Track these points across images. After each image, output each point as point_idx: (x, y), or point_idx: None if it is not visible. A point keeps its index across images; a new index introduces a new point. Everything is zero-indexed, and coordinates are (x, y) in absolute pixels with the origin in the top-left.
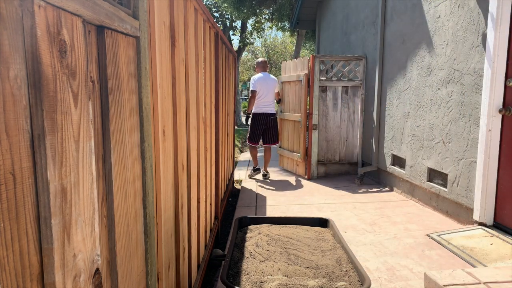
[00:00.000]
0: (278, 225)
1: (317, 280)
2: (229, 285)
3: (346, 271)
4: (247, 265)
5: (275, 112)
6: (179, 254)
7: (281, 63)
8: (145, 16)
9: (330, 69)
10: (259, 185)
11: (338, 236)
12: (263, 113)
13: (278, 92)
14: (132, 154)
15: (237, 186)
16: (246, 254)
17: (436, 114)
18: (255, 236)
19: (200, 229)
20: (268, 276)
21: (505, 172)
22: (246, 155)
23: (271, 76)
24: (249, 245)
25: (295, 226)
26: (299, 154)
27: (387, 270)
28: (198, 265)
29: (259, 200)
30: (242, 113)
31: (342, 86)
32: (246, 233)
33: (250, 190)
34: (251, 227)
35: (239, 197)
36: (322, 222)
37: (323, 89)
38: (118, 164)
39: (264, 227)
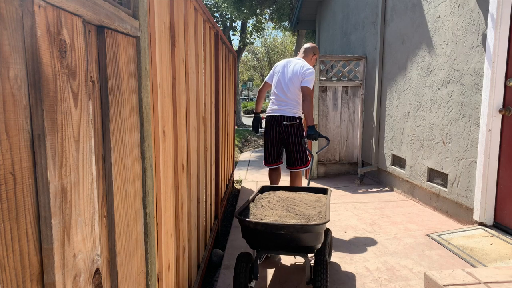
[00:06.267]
0: (290, 191)
1: (298, 221)
2: (240, 218)
3: (320, 217)
4: (256, 211)
5: (295, 115)
6: (179, 254)
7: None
8: (145, 16)
9: (330, 69)
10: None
11: (329, 200)
12: (272, 116)
13: (307, 87)
14: (132, 154)
15: (237, 186)
16: (258, 206)
17: (436, 114)
18: (269, 196)
19: (200, 229)
20: (268, 217)
21: (505, 172)
22: (246, 155)
23: (301, 62)
24: (263, 201)
25: (303, 192)
26: None
27: (387, 270)
28: (198, 265)
29: None
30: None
31: (342, 86)
32: (263, 194)
33: (250, 190)
34: (269, 191)
35: (239, 197)
36: (324, 191)
37: (323, 89)
38: (118, 164)
39: (278, 192)
